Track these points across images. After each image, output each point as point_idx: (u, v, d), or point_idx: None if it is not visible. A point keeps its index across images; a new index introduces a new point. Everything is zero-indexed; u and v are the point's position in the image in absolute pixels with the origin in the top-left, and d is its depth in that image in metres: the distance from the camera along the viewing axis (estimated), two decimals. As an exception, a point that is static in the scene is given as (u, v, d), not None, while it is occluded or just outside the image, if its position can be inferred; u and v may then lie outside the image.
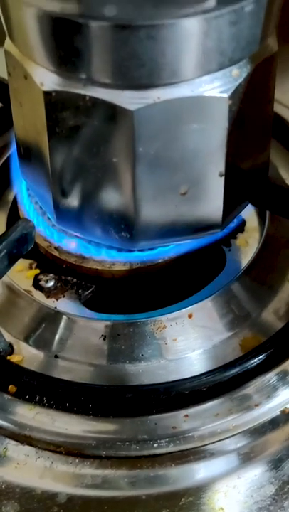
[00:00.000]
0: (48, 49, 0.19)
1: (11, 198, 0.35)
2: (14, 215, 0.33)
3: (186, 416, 0.24)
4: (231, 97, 0.20)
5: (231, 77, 0.20)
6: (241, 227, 0.32)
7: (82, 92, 0.20)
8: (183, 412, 0.24)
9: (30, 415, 0.24)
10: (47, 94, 0.20)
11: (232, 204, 0.26)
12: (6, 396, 0.25)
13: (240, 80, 0.20)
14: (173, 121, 0.20)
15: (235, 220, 0.30)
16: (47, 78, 0.20)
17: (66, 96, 0.20)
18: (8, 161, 0.35)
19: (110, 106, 0.20)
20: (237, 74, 0.20)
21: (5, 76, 0.34)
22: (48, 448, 0.24)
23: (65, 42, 0.18)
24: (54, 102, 0.21)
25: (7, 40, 0.22)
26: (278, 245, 0.30)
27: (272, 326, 0.28)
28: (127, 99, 0.19)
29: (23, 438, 0.24)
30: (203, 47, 0.18)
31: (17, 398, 0.25)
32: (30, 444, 0.24)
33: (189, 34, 0.18)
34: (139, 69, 0.18)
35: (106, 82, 0.19)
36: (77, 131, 0.21)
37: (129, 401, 0.25)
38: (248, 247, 0.31)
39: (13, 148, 0.34)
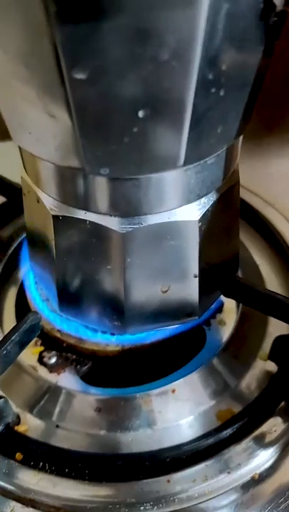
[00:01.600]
0: (56, 187, 0.25)
1: (20, 275, 0.40)
2: (23, 292, 0.38)
3: (168, 481, 0.28)
4: (200, 220, 0.25)
5: (200, 205, 0.25)
6: (220, 308, 0.36)
7: (83, 217, 0.25)
8: (165, 478, 0.28)
9: (34, 481, 0.28)
10: (55, 217, 0.26)
11: (207, 296, 0.30)
12: (14, 463, 0.29)
13: (208, 207, 0.26)
14: (154, 239, 0.25)
15: (214, 303, 0.35)
16: (55, 205, 0.26)
17: (71, 219, 0.25)
18: (17, 248, 0.40)
19: (105, 229, 0.25)
20: (205, 202, 0.25)
21: (6, 175, 0.41)
22: (49, 510, 0.27)
23: (70, 185, 0.24)
24: (61, 223, 0.26)
25: (22, 170, 0.28)
26: (251, 325, 0.35)
27: (244, 399, 0.31)
28: (118, 224, 0.25)
29: (28, 501, 0.27)
30: (175, 190, 0.23)
31: (23, 465, 0.29)
32: (34, 507, 0.27)
33: (164, 183, 0.23)
34: (126, 205, 0.24)
35: (101, 212, 0.24)
36: (79, 244, 0.26)
37: (120, 468, 0.28)
38: (225, 327, 0.35)
39: (21, 238, 0.40)
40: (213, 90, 0.19)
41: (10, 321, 0.37)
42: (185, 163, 0.21)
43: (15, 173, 0.36)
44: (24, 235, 0.39)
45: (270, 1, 0.18)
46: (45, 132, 0.21)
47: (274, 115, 0.52)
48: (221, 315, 0.36)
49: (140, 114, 0.19)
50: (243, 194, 0.43)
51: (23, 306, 0.37)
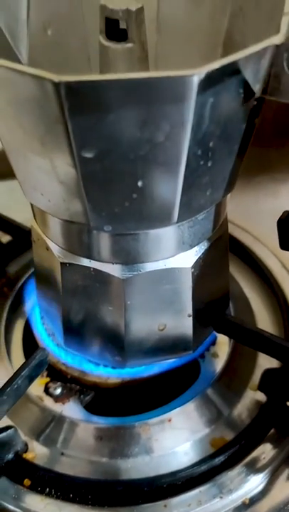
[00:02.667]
0: (64, 238, 0.28)
1: (27, 310, 0.42)
2: (30, 325, 0.41)
3: (165, 506, 0.30)
4: (193, 266, 0.28)
5: (193, 253, 0.28)
6: (213, 341, 0.39)
7: (88, 265, 0.28)
8: (162, 503, 0.30)
9: (41, 506, 0.30)
10: (63, 263, 0.29)
11: (200, 332, 0.33)
12: (22, 489, 0.31)
13: (200, 255, 0.28)
14: (152, 284, 0.28)
15: (208, 337, 0.37)
16: (63, 253, 0.28)
17: (76, 266, 0.28)
18: (23, 284, 0.43)
19: (107, 275, 0.28)
20: (197, 250, 0.28)
21: (10, 213, 0.44)
22: (55, 533, 0.30)
23: (76, 237, 0.27)
24: (67, 269, 0.29)
25: (32, 220, 0.31)
26: (242, 358, 0.37)
27: (236, 427, 0.34)
28: (119, 271, 0.27)
29: None
30: (170, 242, 0.26)
31: (31, 490, 0.31)
32: (41, 530, 0.30)
33: (160, 236, 0.26)
34: (127, 255, 0.26)
35: (104, 260, 0.27)
36: (84, 287, 0.29)
37: (120, 493, 0.31)
38: (218, 359, 0.38)
39: (27, 275, 0.43)
40: (201, 163, 0.22)
41: (17, 351, 0.39)
42: (178, 221, 0.24)
43: (19, 212, 0.39)
44: (29, 271, 0.42)
45: (250, 89, 0.21)
46: (55, 195, 0.24)
47: (264, 154, 0.55)
48: (214, 347, 0.38)
49: (139, 183, 0.22)
50: (234, 230, 0.46)
51: (29, 339, 0.40)
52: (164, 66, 0.30)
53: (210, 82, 0.19)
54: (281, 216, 0.26)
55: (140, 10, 0.23)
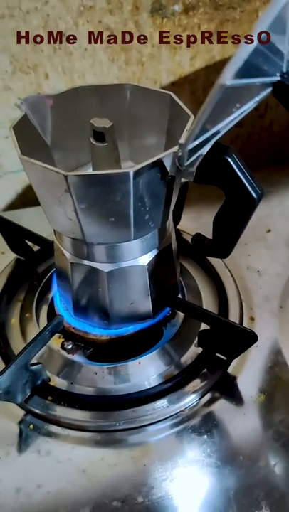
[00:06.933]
0: (72, 248, 0.48)
1: (50, 296, 0.62)
2: (52, 307, 0.61)
3: (134, 411, 0.49)
4: (148, 264, 0.48)
5: (147, 257, 0.48)
6: (174, 315, 0.58)
7: (86, 263, 0.48)
8: (131, 410, 0.48)
9: (59, 411, 0.49)
10: (72, 263, 0.48)
11: (158, 307, 0.53)
12: (47, 401, 0.50)
13: (152, 257, 0.48)
14: (124, 275, 0.47)
15: (170, 312, 0.57)
16: (72, 257, 0.48)
17: (80, 264, 0.48)
18: (48, 279, 0.63)
19: (97, 270, 0.47)
20: (150, 255, 0.47)
21: (38, 230, 0.64)
22: (67, 427, 0.48)
23: (79, 247, 0.47)
24: (74, 266, 0.48)
25: (54, 237, 0.51)
26: (190, 325, 0.56)
27: (181, 367, 0.53)
28: (104, 267, 0.47)
29: (56, 422, 0.48)
30: (132, 250, 0.46)
31: (52, 402, 0.50)
32: (58, 425, 0.49)
33: (126, 247, 0.45)
34: (108, 257, 0.46)
35: (95, 261, 0.47)
36: (84, 277, 0.49)
37: (106, 403, 0.49)
38: (175, 327, 0.57)
39: (50, 272, 0.63)
40: (142, 209, 0.42)
41: (44, 323, 0.59)
42: (134, 239, 0.44)
43: (44, 230, 0.59)
44: (52, 270, 0.63)
45: (165, 172, 0.40)
46: (67, 225, 0.44)
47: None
48: (174, 320, 0.58)
49: (110, 219, 0.42)
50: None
51: (51, 315, 0.60)
52: (135, 142, 0.50)
53: (140, 172, 0.38)
54: (194, 235, 0.46)
55: (112, 126, 0.43)
